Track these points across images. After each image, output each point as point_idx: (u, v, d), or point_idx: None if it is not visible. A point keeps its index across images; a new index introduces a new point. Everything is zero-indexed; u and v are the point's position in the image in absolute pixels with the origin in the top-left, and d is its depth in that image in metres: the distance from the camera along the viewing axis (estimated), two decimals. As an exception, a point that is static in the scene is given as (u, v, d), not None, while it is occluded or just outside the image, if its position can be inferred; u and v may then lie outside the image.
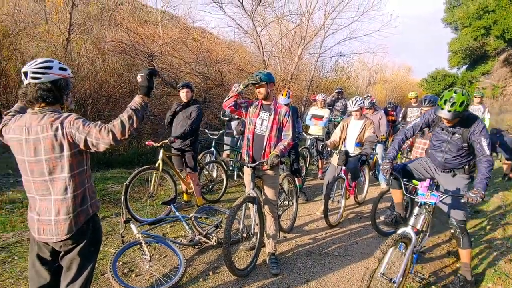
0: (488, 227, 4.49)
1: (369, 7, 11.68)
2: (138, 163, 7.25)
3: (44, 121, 1.76)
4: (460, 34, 22.68)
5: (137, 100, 1.88)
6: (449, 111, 2.70)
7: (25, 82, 1.77)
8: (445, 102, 2.72)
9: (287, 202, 4.29)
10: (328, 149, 4.72)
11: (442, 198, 2.73)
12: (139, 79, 1.94)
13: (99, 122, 1.81)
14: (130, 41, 9.30)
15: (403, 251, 2.76)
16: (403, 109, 8.50)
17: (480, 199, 2.55)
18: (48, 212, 1.82)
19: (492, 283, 3.13)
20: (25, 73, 1.77)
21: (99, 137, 1.76)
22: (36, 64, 1.78)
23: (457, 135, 2.93)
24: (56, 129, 1.74)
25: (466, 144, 2.91)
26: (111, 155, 7.41)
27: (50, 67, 1.79)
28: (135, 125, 1.81)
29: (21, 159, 1.82)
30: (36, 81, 1.76)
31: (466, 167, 3.06)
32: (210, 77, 10.38)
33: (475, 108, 7.72)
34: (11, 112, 2.05)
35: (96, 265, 2.68)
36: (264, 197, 3.35)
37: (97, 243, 2.02)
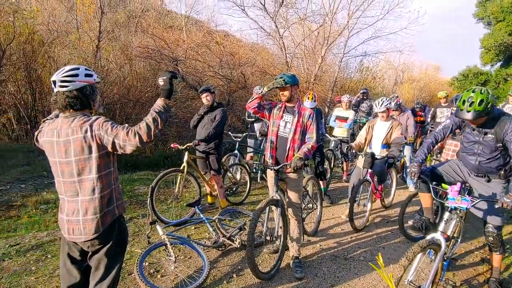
0: (526, 234, 4.24)
1: (395, 4, 11.36)
2: (164, 165, 7.41)
3: (74, 124, 1.84)
4: (493, 29, 21.59)
5: (159, 103, 1.94)
6: (468, 111, 2.58)
7: (55, 90, 1.87)
8: (463, 103, 2.60)
9: (311, 205, 4.24)
10: (353, 151, 4.63)
11: (474, 203, 2.59)
12: (160, 82, 2.00)
13: (126, 125, 1.87)
14: (156, 46, 9.56)
15: (432, 257, 2.65)
16: (432, 109, 8.20)
17: None
18: (76, 213, 1.89)
19: (531, 293, 2.95)
20: (54, 82, 1.86)
21: (126, 139, 1.82)
22: (63, 73, 1.86)
23: (489, 135, 2.77)
24: (86, 131, 1.82)
25: (501, 144, 2.74)
26: (138, 157, 7.63)
27: (76, 75, 1.87)
28: (160, 127, 1.88)
29: (53, 160, 1.91)
30: (64, 89, 1.84)
31: (502, 172, 2.86)
32: (233, 80, 10.47)
33: (511, 108, 7.32)
34: (48, 119, 2.16)
35: (124, 265, 2.77)
36: (287, 200, 3.33)
37: (123, 243, 2.08)
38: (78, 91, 1.87)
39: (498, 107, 3.31)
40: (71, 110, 1.89)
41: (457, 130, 3.20)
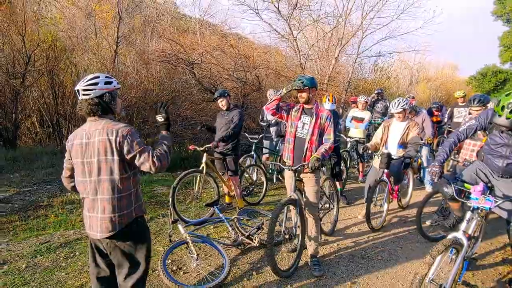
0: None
1: (410, 4, 11.26)
2: (181, 167, 7.55)
3: (102, 126, 1.98)
4: (512, 26, 21.09)
5: (166, 134, 2.27)
6: (507, 118, 2.51)
7: (79, 98, 2.02)
8: (502, 109, 2.53)
9: (328, 205, 4.28)
10: (369, 151, 4.64)
11: (498, 203, 2.57)
12: (160, 119, 2.29)
13: (150, 148, 2.03)
14: (172, 50, 9.75)
15: (454, 257, 2.65)
16: (449, 109, 8.09)
17: None
18: (96, 210, 2.01)
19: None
20: (78, 91, 2.01)
21: (148, 160, 1.98)
22: (85, 82, 2.01)
23: None
24: (111, 134, 1.95)
25: None
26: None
27: (96, 83, 2.01)
28: (170, 154, 2.15)
29: (79, 161, 2.02)
30: (86, 97, 2.00)
31: None
32: (248, 82, 10.56)
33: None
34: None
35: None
36: (305, 199, 3.38)
37: (144, 241, 2.14)
38: (99, 98, 2.01)
39: None
40: (96, 116, 2.03)
41: (480, 131, 3.17)
